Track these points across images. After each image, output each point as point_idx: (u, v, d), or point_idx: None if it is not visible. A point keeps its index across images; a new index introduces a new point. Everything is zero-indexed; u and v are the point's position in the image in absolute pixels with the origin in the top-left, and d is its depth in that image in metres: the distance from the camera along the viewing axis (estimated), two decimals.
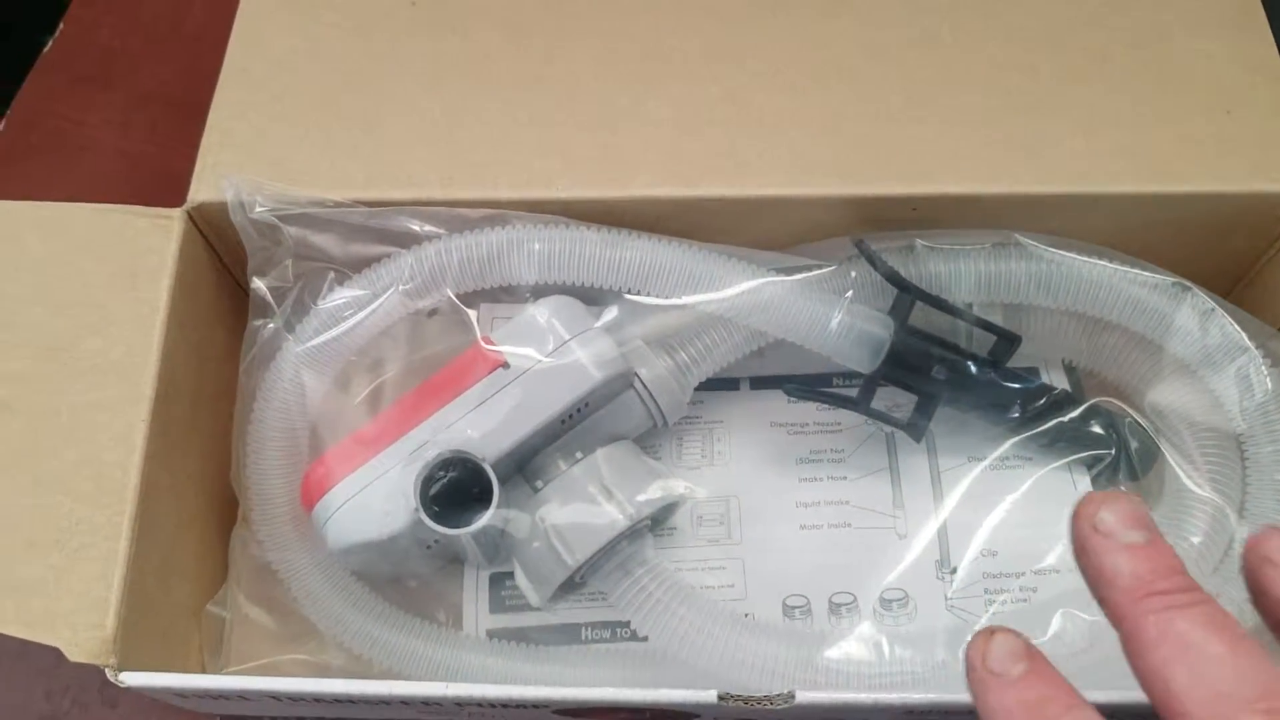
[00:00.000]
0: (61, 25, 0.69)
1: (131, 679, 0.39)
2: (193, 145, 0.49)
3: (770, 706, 0.38)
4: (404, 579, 0.48)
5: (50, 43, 0.69)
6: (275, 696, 0.41)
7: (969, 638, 0.34)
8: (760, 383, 0.51)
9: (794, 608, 0.46)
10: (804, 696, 0.38)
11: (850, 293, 0.45)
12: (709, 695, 0.38)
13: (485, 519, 0.42)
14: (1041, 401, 0.46)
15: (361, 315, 0.45)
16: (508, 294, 0.46)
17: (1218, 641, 0.27)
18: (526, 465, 0.45)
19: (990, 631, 0.31)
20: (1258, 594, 0.30)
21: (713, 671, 0.42)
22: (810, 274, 0.46)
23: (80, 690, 0.51)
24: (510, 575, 0.46)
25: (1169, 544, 0.30)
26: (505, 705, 0.40)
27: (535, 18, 0.52)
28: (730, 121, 0.49)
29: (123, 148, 0.65)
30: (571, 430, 0.45)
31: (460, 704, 0.40)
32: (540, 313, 0.44)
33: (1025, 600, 0.45)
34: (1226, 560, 0.44)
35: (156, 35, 0.69)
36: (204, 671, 0.47)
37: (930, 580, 0.46)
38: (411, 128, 0.49)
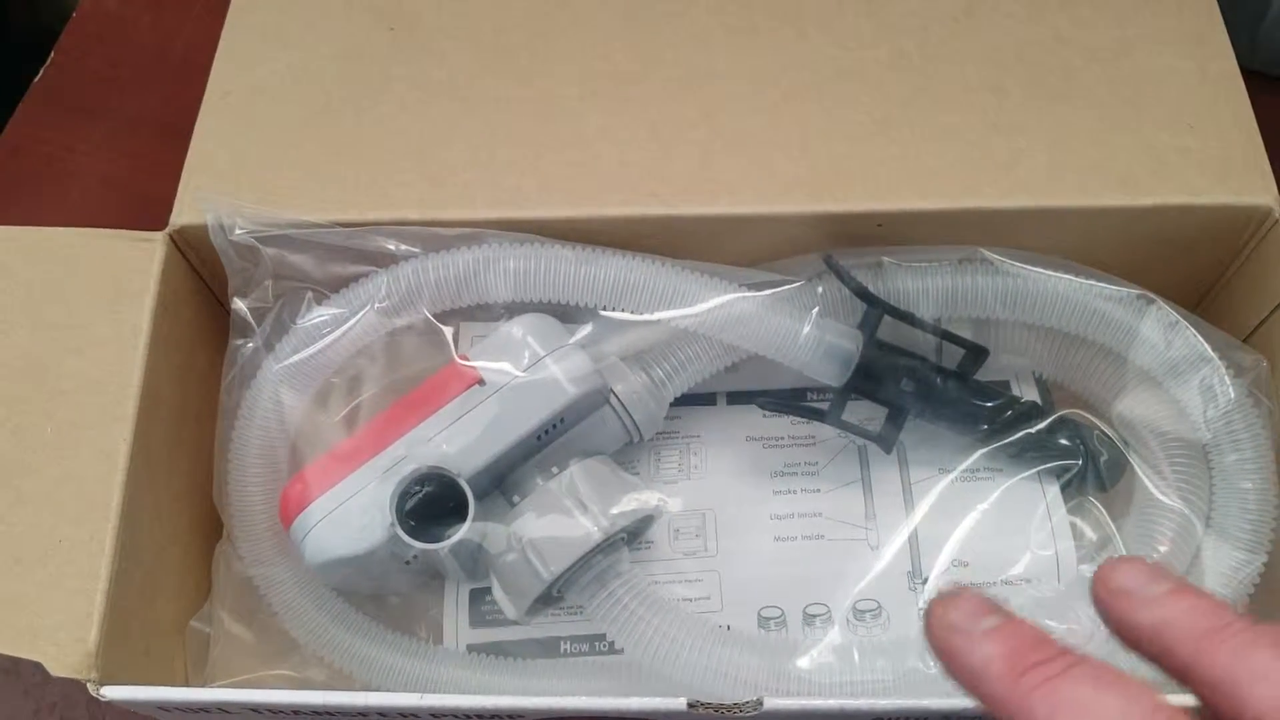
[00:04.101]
0: (52, 55, 0.71)
1: (112, 693, 0.40)
2: (179, 170, 0.50)
3: (739, 714, 0.39)
4: (385, 595, 0.49)
5: (41, 72, 0.70)
6: (255, 708, 0.41)
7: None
8: (736, 397, 0.52)
9: (769, 619, 0.47)
10: (772, 704, 0.39)
11: (818, 308, 0.46)
12: (679, 703, 0.39)
13: (460, 533, 0.43)
14: (1008, 413, 0.47)
15: (338, 333, 0.45)
16: (484, 312, 0.47)
17: (1110, 694, 0.26)
18: (504, 481, 0.46)
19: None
20: (1118, 628, 0.29)
21: (687, 682, 0.43)
22: (779, 289, 0.46)
23: (67, 707, 0.52)
24: (490, 590, 0.47)
25: (1024, 619, 0.28)
26: (480, 715, 0.41)
27: (511, 41, 0.53)
28: (704, 141, 0.50)
29: (110, 174, 0.66)
30: (548, 446, 0.46)
31: (436, 714, 0.41)
32: (516, 330, 0.45)
33: None
34: (1193, 569, 0.45)
35: (144, 64, 0.70)
36: (187, 686, 0.48)
37: (902, 591, 0.47)
38: (390, 150, 0.50)
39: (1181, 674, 0.27)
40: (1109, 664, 0.26)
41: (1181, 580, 0.29)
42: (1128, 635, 0.28)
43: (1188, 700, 0.26)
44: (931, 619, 0.28)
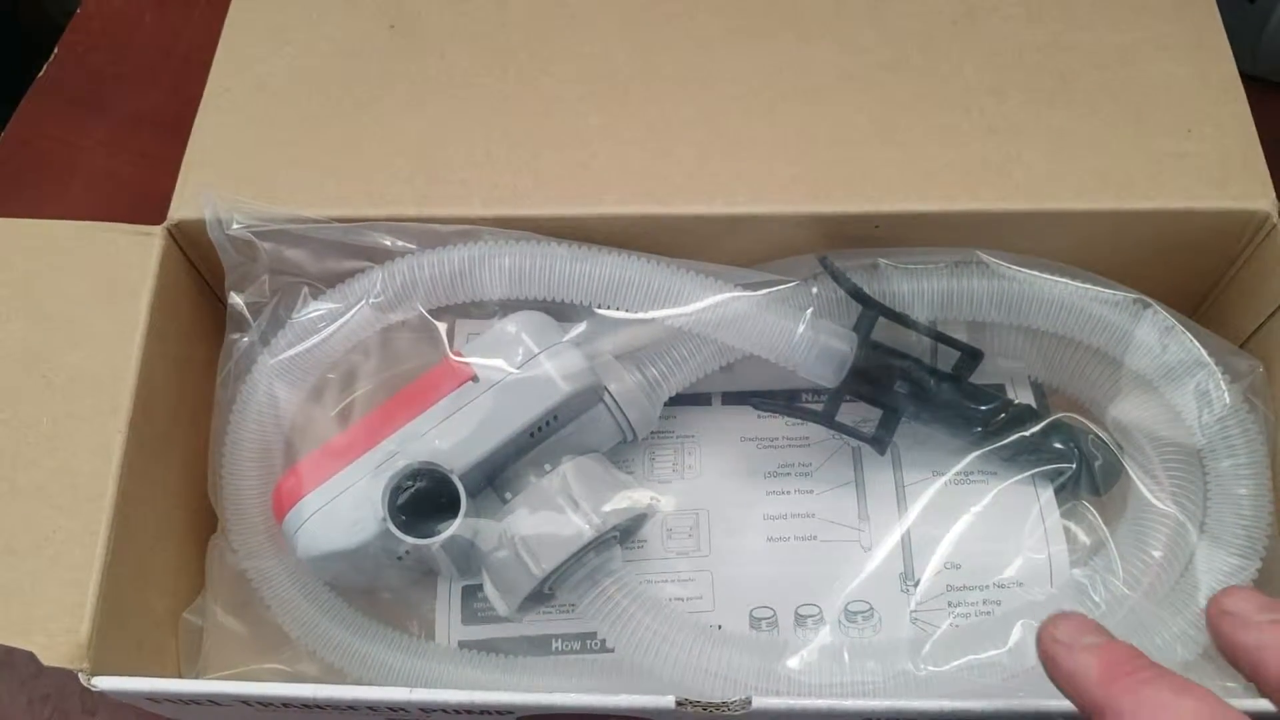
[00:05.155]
0: (56, 50, 0.71)
1: (104, 683, 0.40)
2: (180, 166, 0.50)
3: (728, 713, 0.39)
4: (377, 590, 0.49)
5: (44, 67, 0.70)
6: (246, 701, 0.41)
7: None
8: (732, 398, 0.52)
9: (760, 619, 0.47)
10: (760, 703, 0.39)
11: (812, 309, 0.46)
12: (667, 700, 0.39)
13: (452, 529, 0.43)
14: (1003, 416, 0.47)
15: (333, 328, 0.46)
16: (478, 309, 0.47)
17: (1187, 698, 0.29)
18: (497, 477, 0.46)
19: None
20: (1222, 644, 0.32)
21: (677, 680, 0.43)
22: (774, 290, 0.47)
23: (61, 698, 0.52)
24: (482, 587, 0.47)
25: (1121, 641, 0.33)
26: (469, 711, 0.41)
27: (510, 41, 0.53)
28: (702, 141, 0.50)
29: (113, 169, 0.66)
30: (541, 443, 0.46)
31: (425, 710, 0.41)
32: (510, 327, 0.45)
33: (988, 613, 0.46)
34: (1187, 574, 0.45)
35: (148, 60, 0.70)
36: (180, 679, 0.48)
37: (894, 593, 0.46)
38: (388, 147, 0.50)
39: (1274, 690, 0.31)
40: (1193, 681, 0.30)
41: None
42: (1229, 652, 0.32)
43: (1262, 705, 0.31)
44: (1042, 632, 0.33)
